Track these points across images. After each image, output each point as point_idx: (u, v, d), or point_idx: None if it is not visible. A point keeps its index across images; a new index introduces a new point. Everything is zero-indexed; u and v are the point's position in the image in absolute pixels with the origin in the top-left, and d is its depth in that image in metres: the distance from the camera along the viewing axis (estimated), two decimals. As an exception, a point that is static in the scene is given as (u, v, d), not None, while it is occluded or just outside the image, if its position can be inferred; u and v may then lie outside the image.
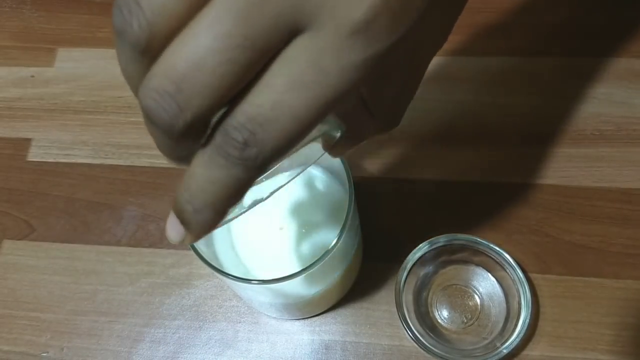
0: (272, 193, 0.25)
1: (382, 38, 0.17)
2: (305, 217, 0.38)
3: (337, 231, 0.31)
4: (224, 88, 0.16)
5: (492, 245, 0.38)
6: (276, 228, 0.37)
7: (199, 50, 0.16)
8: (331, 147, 0.26)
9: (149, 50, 0.17)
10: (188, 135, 0.17)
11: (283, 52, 0.17)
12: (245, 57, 0.16)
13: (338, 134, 0.25)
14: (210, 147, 0.18)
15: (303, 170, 0.27)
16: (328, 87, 0.17)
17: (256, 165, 0.18)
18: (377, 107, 0.25)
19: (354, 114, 0.25)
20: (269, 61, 0.17)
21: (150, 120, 0.17)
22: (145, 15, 0.16)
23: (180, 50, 0.16)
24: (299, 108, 0.17)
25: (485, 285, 0.40)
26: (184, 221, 0.19)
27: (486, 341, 0.38)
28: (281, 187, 0.25)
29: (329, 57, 0.17)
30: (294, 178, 0.27)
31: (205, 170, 0.18)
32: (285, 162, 0.25)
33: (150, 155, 0.47)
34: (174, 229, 0.20)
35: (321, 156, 0.26)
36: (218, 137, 0.17)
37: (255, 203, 0.24)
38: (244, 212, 0.24)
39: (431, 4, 0.19)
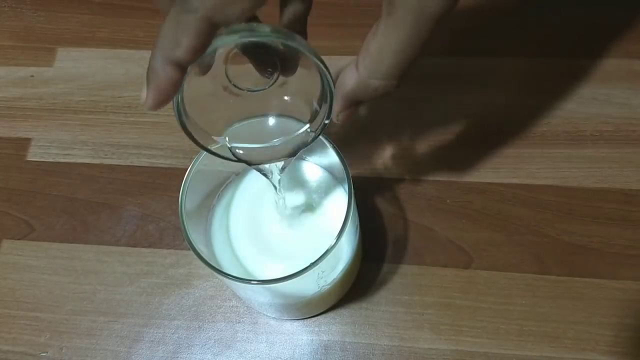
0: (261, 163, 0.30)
1: None
2: (304, 216, 0.38)
3: (337, 231, 0.31)
4: None
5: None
6: (276, 227, 0.37)
7: None
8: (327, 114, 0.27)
9: None
10: None
11: None
12: None
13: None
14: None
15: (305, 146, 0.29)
16: None
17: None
18: (361, 55, 0.26)
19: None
20: None
21: None
22: None
23: None
24: None
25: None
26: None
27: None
28: (283, 162, 0.31)
29: None
30: (293, 156, 0.30)
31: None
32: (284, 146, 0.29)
33: (150, 155, 0.47)
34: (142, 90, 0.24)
35: (321, 130, 0.28)
36: None
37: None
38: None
39: None
